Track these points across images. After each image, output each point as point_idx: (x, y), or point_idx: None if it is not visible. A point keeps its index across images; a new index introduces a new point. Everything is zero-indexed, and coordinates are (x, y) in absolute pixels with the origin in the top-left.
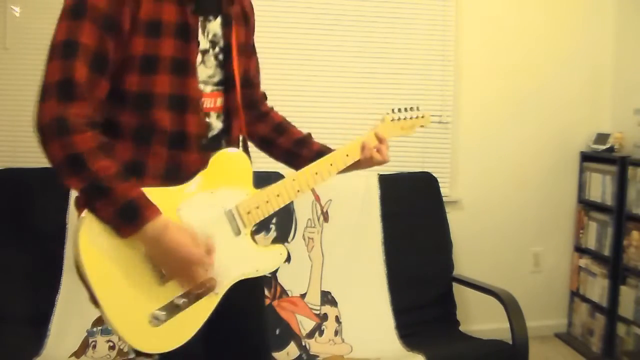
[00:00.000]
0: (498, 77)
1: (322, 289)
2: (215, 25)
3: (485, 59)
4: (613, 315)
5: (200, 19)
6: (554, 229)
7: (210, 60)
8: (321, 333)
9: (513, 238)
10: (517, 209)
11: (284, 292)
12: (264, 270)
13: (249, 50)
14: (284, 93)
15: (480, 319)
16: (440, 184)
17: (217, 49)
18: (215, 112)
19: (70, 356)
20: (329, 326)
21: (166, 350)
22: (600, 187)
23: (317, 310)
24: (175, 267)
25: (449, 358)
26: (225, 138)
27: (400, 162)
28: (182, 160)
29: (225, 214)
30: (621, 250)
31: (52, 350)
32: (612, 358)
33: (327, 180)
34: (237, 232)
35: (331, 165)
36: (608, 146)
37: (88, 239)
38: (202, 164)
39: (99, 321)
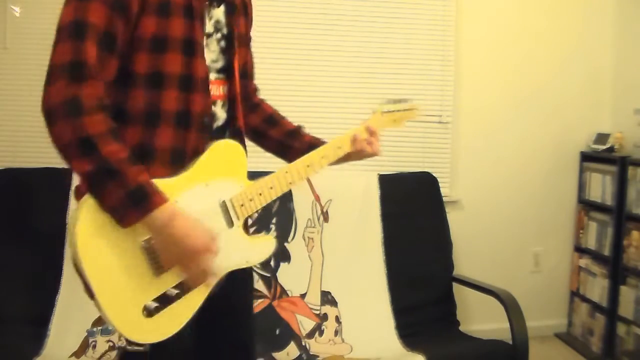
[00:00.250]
0: (498, 77)
1: (322, 289)
2: (219, 12)
3: (485, 59)
4: (613, 315)
5: (206, 3)
6: (554, 229)
7: (214, 44)
8: (321, 333)
9: (513, 238)
10: (517, 209)
11: (284, 292)
12: (253, 261)
13: (247, 42)
14: (284, 93)
15: (480, 319)
16: (440, 184)
17: (219, 35)
18: (220, 100)
19: (70, 356)
20: (329, 326)
21: (158, 340)
22: (600, 187)
23: (317, 310)
24: (178, 255)
25: (449, 358)
26: (230, 129)
27: (400, 162)
28: (186, 141)
29: (220, 206)
30: (621, 250)
31: (52, 350)
32: (612, 358)
33: (318, 172)
34: (230, 224)
35: (322, 157)
36: (608, 146)
37: (86, 226)
38: (202, 146)
39: (99, 321)
